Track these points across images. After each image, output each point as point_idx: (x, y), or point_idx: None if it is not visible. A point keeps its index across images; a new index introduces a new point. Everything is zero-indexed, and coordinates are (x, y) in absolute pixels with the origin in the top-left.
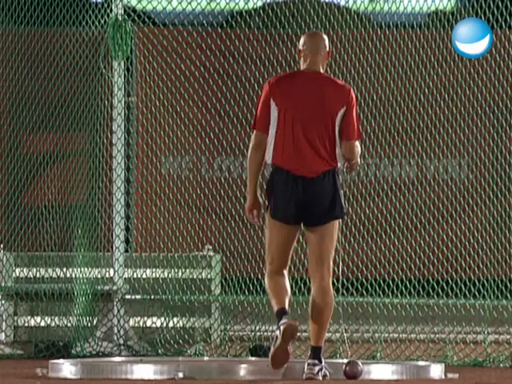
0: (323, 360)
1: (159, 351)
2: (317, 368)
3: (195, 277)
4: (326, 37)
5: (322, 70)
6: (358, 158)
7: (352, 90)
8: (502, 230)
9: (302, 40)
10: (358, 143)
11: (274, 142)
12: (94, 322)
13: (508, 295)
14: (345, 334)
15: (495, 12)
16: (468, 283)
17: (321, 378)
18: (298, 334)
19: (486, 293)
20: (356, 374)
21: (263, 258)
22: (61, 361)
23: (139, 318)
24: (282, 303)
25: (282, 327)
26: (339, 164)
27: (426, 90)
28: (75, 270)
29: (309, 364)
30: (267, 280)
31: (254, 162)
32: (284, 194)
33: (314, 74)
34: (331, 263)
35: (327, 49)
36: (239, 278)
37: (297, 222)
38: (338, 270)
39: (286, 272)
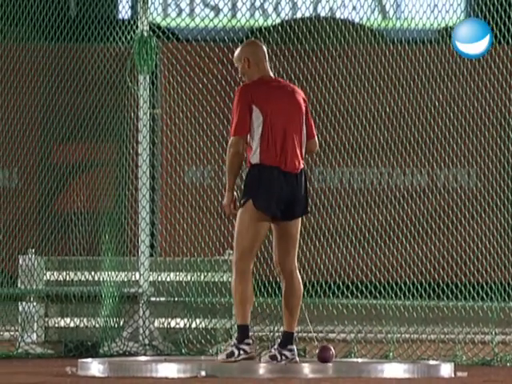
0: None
1: (183, 351)
2: (296, 353)
3: (217, 280)
4: None
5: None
6: None
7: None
8: (509, 235)
9: (247, 49)
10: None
11: (261, 144)
12: (121, 323)
13: None
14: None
15: (502, 28)
16: (476, 286)
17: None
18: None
19: (493, 295)
20: (328, 359)
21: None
22: (89, 360)
23: (163, 319)
24: (246, 318)
25: (243, 354)
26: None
27: (436, 103)
28: (103, 273)
29: (291, 350)
30: (236, 282)
31: (237, 165)
32: (275, 190)
33: (276, 79)
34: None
35: None
36: (258, 281)
37: (277, 217)
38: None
39: (251, 271)
